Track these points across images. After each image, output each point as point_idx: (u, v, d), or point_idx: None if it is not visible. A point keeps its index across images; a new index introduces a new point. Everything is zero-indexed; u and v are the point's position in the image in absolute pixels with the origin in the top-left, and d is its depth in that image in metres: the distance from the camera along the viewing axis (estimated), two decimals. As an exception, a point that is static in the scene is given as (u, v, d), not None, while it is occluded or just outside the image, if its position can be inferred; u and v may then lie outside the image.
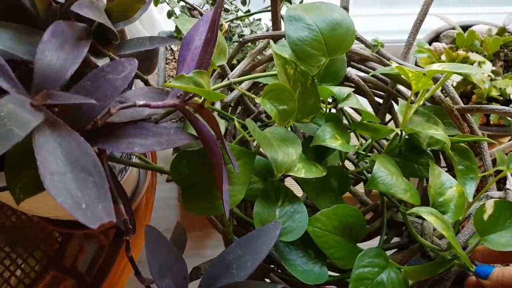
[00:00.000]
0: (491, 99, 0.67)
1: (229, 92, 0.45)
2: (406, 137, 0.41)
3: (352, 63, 0.49)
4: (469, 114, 0.43)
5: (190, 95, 0.31)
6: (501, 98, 0.66)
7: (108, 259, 0.60)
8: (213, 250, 0.88)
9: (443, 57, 0.71)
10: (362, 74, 0.49)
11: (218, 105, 0.44)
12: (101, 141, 0.28)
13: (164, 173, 0.35)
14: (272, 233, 0.33)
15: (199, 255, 0.87)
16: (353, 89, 0.40)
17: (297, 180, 0.39)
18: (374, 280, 0.34)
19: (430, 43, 0.77)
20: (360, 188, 0.50)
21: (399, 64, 0.43)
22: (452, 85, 0.66)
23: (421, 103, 0.42)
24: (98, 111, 0.27)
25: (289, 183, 0.42)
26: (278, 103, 0.33)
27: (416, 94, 0.43)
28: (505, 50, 0.75)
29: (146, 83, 0.36)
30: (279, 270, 0.37)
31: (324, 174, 0.36)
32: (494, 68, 0.70)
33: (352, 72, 0.47)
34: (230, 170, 0.34)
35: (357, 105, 0.38)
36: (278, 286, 0.29)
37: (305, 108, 0.36)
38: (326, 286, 0.39)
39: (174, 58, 0.67)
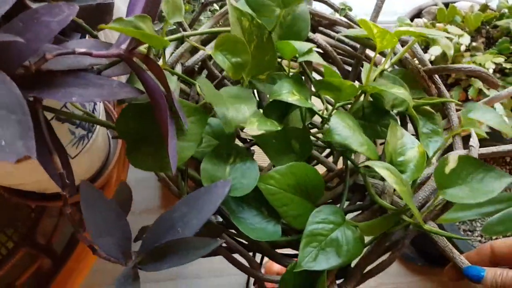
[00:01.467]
0: (470, 75, 0.66)
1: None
2: (370, 99, 0.40)
3: (320, 28, 0.48)
4: (437, 76, 0.42)
5: (136, 45, 0.30)
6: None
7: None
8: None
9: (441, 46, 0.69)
10: (332, 41, 0.48)
11: (179, 69, 0.43)
12: (36, 89, 0.27)
13: (111, 128, 0.33)
14: (220, 191, 0.32)
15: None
16: (314, 46, 0.39)
17: (258, 142, 0.38)
18: (328, 236, 0.33)
19: (412, 20, 0.76)
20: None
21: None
22: (430, 59, 0.66)
23: (387, 66, 0.41)
24: (28, 52, 0.26)
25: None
26: (231, 55, 0.32)
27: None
28: (487, 27, 0.74)
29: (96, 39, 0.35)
30: (234, 231, 0.36)
31: (279, 128, 0.34)
32: (475, 44, 0.69)
33: (319, 37, 0.46)
34: (181, 126, 0.33)
35: (318, 59, 0.37)
36: (219, 241, 0.28)
37: (261, 64, 0.35)
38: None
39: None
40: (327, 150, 0.51)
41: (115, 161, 0.59)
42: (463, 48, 0.62)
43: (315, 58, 0.37)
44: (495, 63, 0.62)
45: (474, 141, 0.36)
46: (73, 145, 0.45)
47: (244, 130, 0.34)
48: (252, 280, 0.81)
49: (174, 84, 0.34)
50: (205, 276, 0.87)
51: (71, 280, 0.58)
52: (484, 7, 0.74)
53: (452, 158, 0.32)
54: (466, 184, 0.32)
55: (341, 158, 0.44)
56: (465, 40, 0.62)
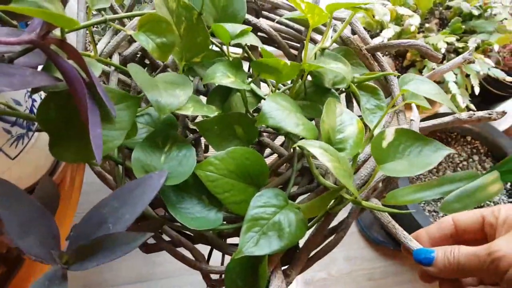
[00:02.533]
0: (423, 56, 0.67)
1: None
2: (311, 79, 0.39)
3: (264, 13, 0.47)
4: (379, 53, 0.42)
5: (48, 29, 0.28)
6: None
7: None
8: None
9: (377, 17, 0.69)
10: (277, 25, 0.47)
11: (116, 59, 0.41)
12: None
13: (32, 120, 0.31)
14: (155, 182, 0.30)
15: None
16: (249, 29, 0.37)
17: (199, 129, 0.37)
18: (270, 220, 0.32)
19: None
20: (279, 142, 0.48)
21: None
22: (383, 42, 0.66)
23: (327, 43, 0.40)
24: None
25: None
26: (155, 35, 0.31)
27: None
28: (440, 8, 0.75)
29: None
30: (179, 224, 0.35)
31: (216, 113, 0.33)
32: (428, 25, 0.69)
33: (263, 22, 0.45)
34: (108, 114, 0.31)
35: (254, 42, 0.36)
36: (148, 234, 0.27)
37: (194, 46, 0.34)
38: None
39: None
40: (283, 138, 0.50)
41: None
42: (413, 28, 0.62)
43: (250, 40, 0.36)
44: (447, 43, 0.62)
45: (415, 115, 0.36)
46: (11, 145, 0.43)
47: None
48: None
49: (99, 70, 0.32)
50: (176, 275, 0.86)
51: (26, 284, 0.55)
52: (436, -11, 0.74)
53: (389, 132, 0.31)
54: (404, 158, 0.31)
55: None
56: (415, 21, 0.62)
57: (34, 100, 0.46)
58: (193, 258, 0.34)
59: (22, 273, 0.57)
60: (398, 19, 0.68)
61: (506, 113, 0.37)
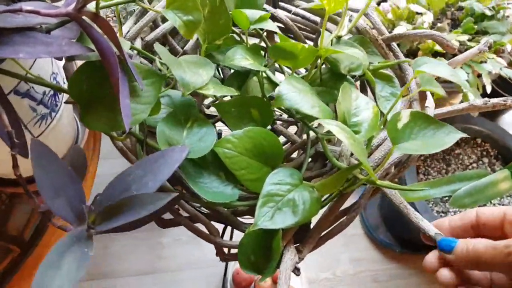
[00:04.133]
0: (436, 54, 0.68)
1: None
2: (328, 65, 0.40)
3: (281, 4, 0.48)
4: (394, 44, 0.43)
5: (84, 3, 0.29)
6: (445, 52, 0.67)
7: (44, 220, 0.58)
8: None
9: (390, 15, 0.71)
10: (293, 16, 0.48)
11: (138, 43, 0.43)
12: (-20, 46, 0.27)
13: (64, 91, 0.33)
14: (177, 155, 0.31)
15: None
16: (268, 15, 0.39)
17: (218, 110, 0.39)
18: (285, 197, 0.33)
19: (378, 4, 0.77)
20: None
21: None
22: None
23: (343, 31, 0.41)
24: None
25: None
26: (182, 13, 0.32)
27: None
28: (452, 9, 0.76)
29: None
30: (194, 202, 0.36)
31: (236, 93, 0.35)
32: (440, 24, 0.70)
33: (280, 12, 0.47)
34: (135, 88, 0.32)
35: (272, 27, 0.38)
36: (173, 194, 0.28)
37: (216, 28, 0.35)
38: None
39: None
40: (295, 128, 0.51)
41: (83, 147, 0.58)
42: (426, 25, 0.63)
43: (269, 26, 0.38)
44: (459, 41, 0.63)
45: (430, 102, 0.37)
46: (35, 124, 0.44)
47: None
48: (229, 268, 0.81)
49: (127, 46, 0.34)
50: (183, 269, 0.87)
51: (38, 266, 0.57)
52: (449, -10, 0.75)
53: (405, 114, 0.32)
54: (418, 139, 0.32)
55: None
56: (428, 18, 0.63)
57: (57, 82, 0.48)
58: (208, 233, 0.35)
59: (34, 257, 0.59)
60: (410, 18, 0.69)
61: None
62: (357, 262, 0.93)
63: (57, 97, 0.47)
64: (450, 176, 0.61)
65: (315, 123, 0.32)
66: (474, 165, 0.81)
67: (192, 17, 0.32)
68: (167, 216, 0.37)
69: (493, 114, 0.85)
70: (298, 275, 0.30)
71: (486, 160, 0.81)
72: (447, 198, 0.77)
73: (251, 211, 0.37)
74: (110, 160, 0.78)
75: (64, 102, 0.34)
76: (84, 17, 0.30)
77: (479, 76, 0.66)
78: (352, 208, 0.35)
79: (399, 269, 0.94)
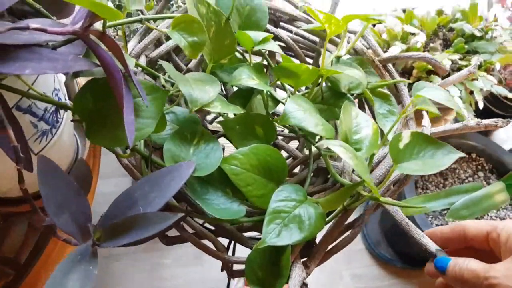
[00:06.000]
0: (430, 72, 0.70)
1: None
2: (329, 84, 0.41)
3: (282, 24, 0.50)
4: (390, 64, 0.44)
5: (91, 22, 0.30)
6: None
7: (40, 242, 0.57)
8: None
9: (385, 36, 0.73)
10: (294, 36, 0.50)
11: (143, 61, 0.43)
12: (-11, 62, 0.27)
13: (68, 108, 0.33)
14: (184, 171, 0.32)
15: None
16: (271, 36, 0.40)
17: (223, 127, 0.39)
18: (291, 213, 0.33)
19: (374, 25, 0.79)
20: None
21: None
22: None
23: (342, 52, 0.42)
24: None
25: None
26: (187, 34, 0.33)
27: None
28: (444, 30, 0.78)
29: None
30: (199, 219, 0.36)
31: (242, 112, 0.35)
32: (432, 45, 0.73)
33: (281, 32, 0.48)
34: (139, 104, 0.33)
35: (274, 48, 0.39)
36: (179, 215, 0.28)
37: (222, 48, 0.36)
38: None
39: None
40: (296, 143, 0.52)
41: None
42: (419, 45, 0.65)
43: (272, 47, 0.39)
44: (451, 60, 0.65)
45: (426, 121, 0.38)
46: (35, 140, 0.44)
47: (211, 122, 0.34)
48: (232, 284, 0.80)
49: (132, 63, 0.34)
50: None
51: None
52: (440, 12, 0.78)
53: (406, 134, 0.33)
54: (419, 159, 0.33)
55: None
56: (421, 37, 0.65)
57: (59, 99, 0.48)
58: (215, 249, 0.35)
59: (30, 279, 0.57)
60: (404, 38, 0.71)
61: (510, 121, 0.39)
62: (359, 278, 0.93)
63: (58, 113, 0.47)
64: (447, 190, 0.62)
65: (322, 144, 0.32)
66: (470, 179, 0.82)
67: (197, 38, 0.33)
68: (172, 232, 0.37)
69: (487, 131, 0.87)
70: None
71: (481, 174, 0.83)
72: (445, 211, 0.78)
73: (255, 227, 0.37)
74: (107, 179, 0.78)
75: (71, 121, 0.34)
76: (90, 35, 0.31)
77: (471, 93, 0.67)
78: (355, 223, 0.36)
79: (400, 284, 0.93)
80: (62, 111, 0.48)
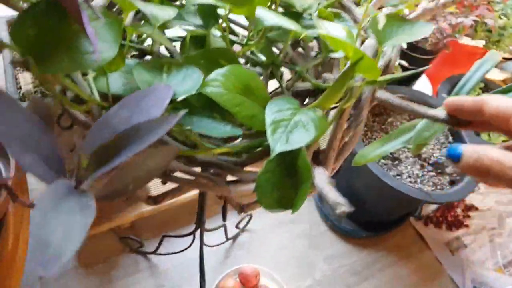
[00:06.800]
0: None
1: None
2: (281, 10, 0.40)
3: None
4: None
5: None
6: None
7: None
8: (123, 281, 0.74)
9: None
10: None
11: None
12: None
13: (6, 47, 0.26)
14: (163, 91, 0.27)
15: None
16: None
17: (187, 61, 0.35)
18: (291, 120, 0.30)
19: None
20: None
21: None
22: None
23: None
24: None
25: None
26: None
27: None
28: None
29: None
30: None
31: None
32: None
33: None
34: (95, 27, 0.28)
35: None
36: (181, 112, 0.23)
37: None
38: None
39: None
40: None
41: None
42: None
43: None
44: None
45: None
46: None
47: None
48: None
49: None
50: None
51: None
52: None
53: (381, 17, 0.34)
54: (400, 33, 0.34)
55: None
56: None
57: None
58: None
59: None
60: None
61: None
62: (331, 260, 0.91)
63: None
64: (398, 129, 0.65)
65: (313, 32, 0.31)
66: (408, 126, 0.88)
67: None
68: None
69: (407, 84, 0.95)
70: (334, 186, 0.27)
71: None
72: (397, 162, 0.81)
73: (253, 158, 0.33)
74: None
75: (10, 63, 0.27)
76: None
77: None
78: (356, 120, 0.34)
79: (370, 255, 0.94)
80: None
